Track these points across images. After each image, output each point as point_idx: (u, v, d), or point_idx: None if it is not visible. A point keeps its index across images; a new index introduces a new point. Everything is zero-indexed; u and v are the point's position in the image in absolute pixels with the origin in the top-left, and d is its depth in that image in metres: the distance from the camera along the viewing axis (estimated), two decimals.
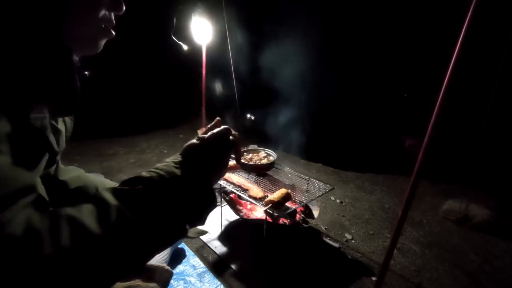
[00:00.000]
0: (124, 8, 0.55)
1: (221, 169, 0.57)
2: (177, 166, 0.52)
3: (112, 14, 0.54)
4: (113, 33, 0.56)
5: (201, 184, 0.52)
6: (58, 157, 0.75)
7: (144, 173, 0.49)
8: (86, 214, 0.40)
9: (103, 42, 0.56)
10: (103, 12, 0.51)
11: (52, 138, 0.51)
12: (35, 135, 0.44)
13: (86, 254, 0.38)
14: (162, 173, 0.49)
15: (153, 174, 0.49)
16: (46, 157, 0.48)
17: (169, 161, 0.53)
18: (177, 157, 0.54)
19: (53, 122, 0.59)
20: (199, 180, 0.52)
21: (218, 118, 0.62)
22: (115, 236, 0.41)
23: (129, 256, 0.43)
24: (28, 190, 0.39)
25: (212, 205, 0.53)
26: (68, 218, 0.38)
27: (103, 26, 0.53)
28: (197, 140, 0.56)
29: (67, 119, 0.68)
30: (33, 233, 0.35)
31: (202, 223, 0.53)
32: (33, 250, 0.34)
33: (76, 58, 0.54)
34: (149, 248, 0.46)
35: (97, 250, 0.39)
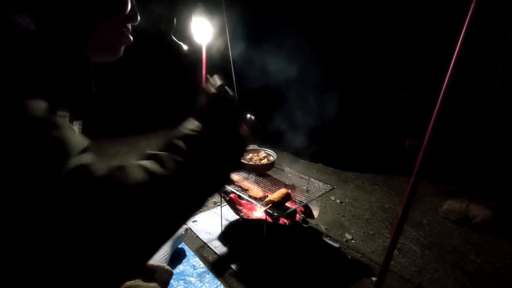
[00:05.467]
0: (139, 18, 0.57)
1: (237, 116, 0.58)
2: (197, 127, 0.53)
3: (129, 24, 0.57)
4: (131, 38, 0.58)
5: (232, 134, 0.55)
6: None
7: (183, 131, 0.51)
8: (147, 163, 0.43)
9: (122, 48, 0.58)
10: (121, 20, 0.54)
11: None
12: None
13: (153, 194, 0.40)
14: (191, 132, 0.51)
15: (190, 132, 0.51)
16: None
17: (188, 126, 0.54)
18: (192, 122, 0.55)
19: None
20: (228, 131, 0.54)
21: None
22: (176, 178, 0.43)
23: (188, 199, 0.45)
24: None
25: (244, 149, 0.57)
26: (133, 165, 0.41)
27: (122, 30, 0.55)
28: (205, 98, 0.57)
29: (75, 123, 0.70)
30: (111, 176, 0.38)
31: (240, 167, 0.57)
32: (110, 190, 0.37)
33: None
34: (202, 194, 0.48)
35: (163, 191, 0.41)
